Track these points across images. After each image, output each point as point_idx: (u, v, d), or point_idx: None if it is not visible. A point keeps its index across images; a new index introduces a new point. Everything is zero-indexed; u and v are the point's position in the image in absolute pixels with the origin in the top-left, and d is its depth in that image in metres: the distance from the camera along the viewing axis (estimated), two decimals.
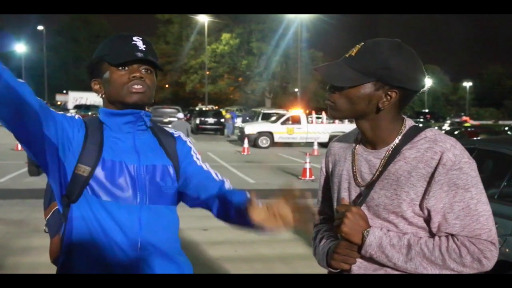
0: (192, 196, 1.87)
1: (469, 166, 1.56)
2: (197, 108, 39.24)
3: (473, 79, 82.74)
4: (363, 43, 1.65)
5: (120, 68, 1.73)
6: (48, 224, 1.82)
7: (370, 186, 1.65)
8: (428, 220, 1.59)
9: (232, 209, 1.73)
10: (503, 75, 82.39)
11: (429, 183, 1.56)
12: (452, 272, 1.55)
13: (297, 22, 39.67)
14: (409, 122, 1.69)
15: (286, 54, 51.94)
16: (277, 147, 23.09)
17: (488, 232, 1.55)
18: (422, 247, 1.56)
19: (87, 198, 1.69)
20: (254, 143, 22.64)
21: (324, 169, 1.93)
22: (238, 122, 33.22)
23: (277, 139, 23.47)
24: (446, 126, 34.06)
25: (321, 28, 50.66)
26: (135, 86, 1.71)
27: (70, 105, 45.39)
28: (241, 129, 24.29)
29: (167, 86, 59.13)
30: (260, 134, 23.26)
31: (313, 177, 13.22)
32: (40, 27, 60.48)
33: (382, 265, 1.61)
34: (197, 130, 31.51)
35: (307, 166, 13.37)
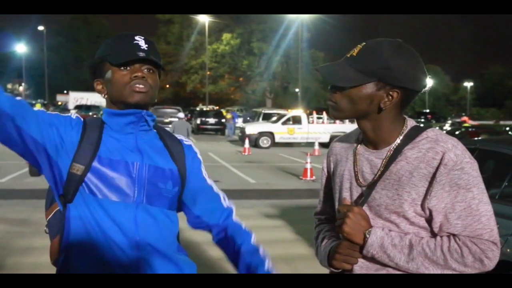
0: (194, 213, 1.88)
1: (471, 166, 1.56)
2: (197, 108, 39.24)
3: (474, 79, 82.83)
4: (364, 43, 1.64)
5: (122, 68, 1.71)
6: (48, 225, 1.81)
7: (371, 186, 1.65)
8: (429, 220, 1.59)
9: (232, 251, 1.86)
10: (504, 75, 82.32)
11: (430, 183, 1.56)
12: (454, 272, 1.55)
13: (298, 22, 39.65)
14: (410, 122, 1.69)
15: (287, 54, 51.98)
16: (278, 147, 23.09)
17: (490, 232, 1.55)
18: (423, 247, 1.56)
19: (84, 197, 1.68)
20: (255, 143, 22.65)
21: (325, 169, 1.92)
22: (239, 122, 33.21)
23: (278, 139, 23.47)
24: (447, 126, 34.05)
25: (321, 28, 50.68)
26: (137, 86, 1.69)
27: (71, 105, 45.39)
28: (242, 129, 24.29)
29: (167, 86, 59.15)
30: (261, 134, 23.26)
31: (314, 177, 13.22)
32: (40, 27, 60.56)
33: (384, 265, 1.61)
34: (198, 130, 31.53)
35: (308, 166, 13.36)
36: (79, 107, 41.60)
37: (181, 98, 57.59)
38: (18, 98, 1.63)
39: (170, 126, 16.12)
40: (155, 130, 1.87)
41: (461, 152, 1.56)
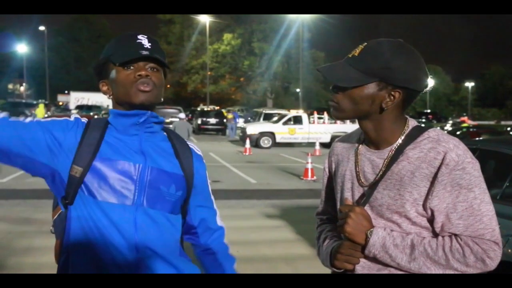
0: (189, 223, 1.89)
1: (472, 166, 1.56)
2: (198, 109, 39.24)
3: (475, 79, 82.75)
4: (366, 44, 1.64)
5: (126, 67, 1.70)
6: (54, 225, 1.80)
7: (373, 186, 1.65)
8: (431, 220, 1.59)
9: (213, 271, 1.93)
10: (505, 75, 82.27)
11: (432, 183, 1.56)
12: (456, 272, 1.55)
13: (299, 22, 39.71)
14: (412, 122, 1.69)
15: (287, 54, 52.01)
16: (279, 148, 23.10)
17: (492, 232, 1.55)
18: (425, 247, 1.56)
19: (83, 199, 1.66)
20: (255, 143, 22.65)
21: (327, 169, 1.92)
22: (240, 122, 33.22)
23: (279, 139, 23.47)
24: (448, 127, 34.03)
25: (322, 28, 50.74)
26: (142, 85, 1.67)
27: (72, 106, 45.42)
28: (243, 130, 24.29)
29: (168, 86, 59.19)
30: (262, 134, 23.26)
31: (314, 177, 13.23)
32: (41, 28, 60.55)
33: (386, 265, 1.61)
34: (199, 131, 31.54)
35: (309, 166, 13.37)
36: (80, 107, 41.65)
37: (182, 98, 57.66)
38: None
39: (171, 126, 16.13)
40: (164, 133, 1.85)
41: (463, 152, 1.56)
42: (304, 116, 24.35)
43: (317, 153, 19.69)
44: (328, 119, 25.14)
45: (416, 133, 1.64)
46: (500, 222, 1.60)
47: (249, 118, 35.42)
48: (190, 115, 36.86)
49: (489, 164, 4.75)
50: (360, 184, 1.70)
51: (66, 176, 1.68)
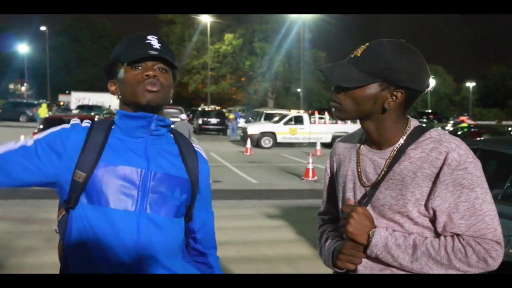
0: (190, 227, 1.87)
1: (474, 166, 1.56)
2: (199, 109, 39.25)
3: (477, 79, 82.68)
4: (368, 44, 1.64)
5: (134, 67, 1.68)
6: (58, 226, 1.79)
7: (375, 186, 1.65)
8: (433, 220, 1.59)
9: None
10: (506, 75, 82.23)
11: (434, 183, 1.56)
12: (458, 272, 1.55)
13: (300, 22, 39.71)
14: (413, 122, 1.69)
15: (288, 54, 52.05)
16: (280, 148, 23.10)
17: (494, 232, 1.55)
18: (427, 247, 1.56)
19: (85, 204, 1.64)
20: (256, 143, 22.65)
21: (328, 169, 1.92)
22: (241, 122, 33.23)
23: (279, 139, 23.48)
24: (449, 127, 34.00)
25: (323, 28, 50.75)
26: (149, 86, 1.66)
27: (73, 106, 45.43)
28: (244, 130, 24.30)
29: None
30: (263, 134, 23.27)
31: (315, 178, 13.23)
32: (42, 28, 60.68)
33: (388, 265, 1.61)
34: (200, 131, 31.54)
35: (310, 166, 13.37)
36: (81, 107, 41.67)
37: (183, 98, 57.60)
38: None
39: (172, 126, 16.12)
40: (171, 135, 1.84)
41: (465, 152, 1.56)
42: (305, 116, 24.35)
43: (318, 153, 19.69)
44: (329, 119, 25.14)
45: (418, 133, 1.64)
46: (501, 223, 1.60)
47: (250, 118, 35.43)
48: (191, 115, 36.87)
49: (490, 164, 4.74)
50: (362, 184, 1.70)
51: (69, 180, 1.66)
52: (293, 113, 25.49)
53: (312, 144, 22.42)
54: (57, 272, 1.77)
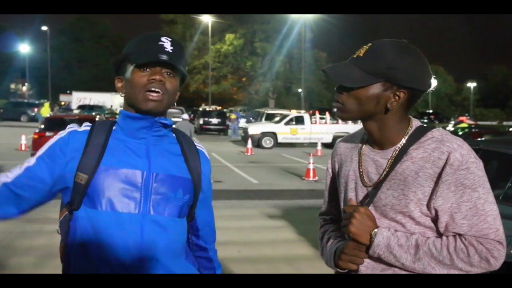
0: (193, 225, 1.87)
1: (476, 166, 1.56)
2: (200, 109, 39.26)
3: (477, 79, 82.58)
4: (370, 44, 1.64)
5: (142, 69, 1.66)
6: (61, 226, 1.79)
7: (377, 186, 1.64)
8: (435, 220, 1.58)
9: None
10: (507, 76, 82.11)
11: (436, 183, 1.56)
12: (460, 272, 1.55)
13: (301, 23, 39.72)
14: (415, 123, 1.69)
15: (289, 55, 52.07)
16: (281, 148, 23.10)
17: (496, 232, 1.55)
18: (430, 247, 1.56)
19: (88, 206, 1.64)
20: (257, 143, 22.64)
21: (330, 170, 1.92)
22: (242, 122, 33.23)
23: (280, 139, 23.47)
24: (450, 127, 33.98)
25: (324, 28, 50.71)
26: (152, 94, 1.64)
27: (74, 106, 45.46)
28: (245, 130, 24.29)
29: None
30: (264, 134, 23.27)
31: (316, 178, 13.22)
32: (44, 28, 60.65)
33: (390, 265, 1.61)
34: (201, 131, 31.53)
35: (311, 166, 13.36)
36: (82, 107, 41.68)
37: (184, 98, 57.51)
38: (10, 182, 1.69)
39: (173, 126, 16.13)
40: (174, 134, 1.83)
41: (467, 152, 1.57)
42: (306, 116, 24.34)
43: (319, 153, 19.69)
44: (330, 119, 25.13)
45: (420, 133, 1.65)
46: (503, 223, 1.60)
47: (251, 118, 35.41)
48: (192, 115, 36.88)
49: (491, 164, 4.74)
50: (363, 184, 1.70)
51: (71, 182, 1.66)
52: (294, 113, 25.49)
53: (313, 144, 22.41)
54: (57, 272, 1.77)
